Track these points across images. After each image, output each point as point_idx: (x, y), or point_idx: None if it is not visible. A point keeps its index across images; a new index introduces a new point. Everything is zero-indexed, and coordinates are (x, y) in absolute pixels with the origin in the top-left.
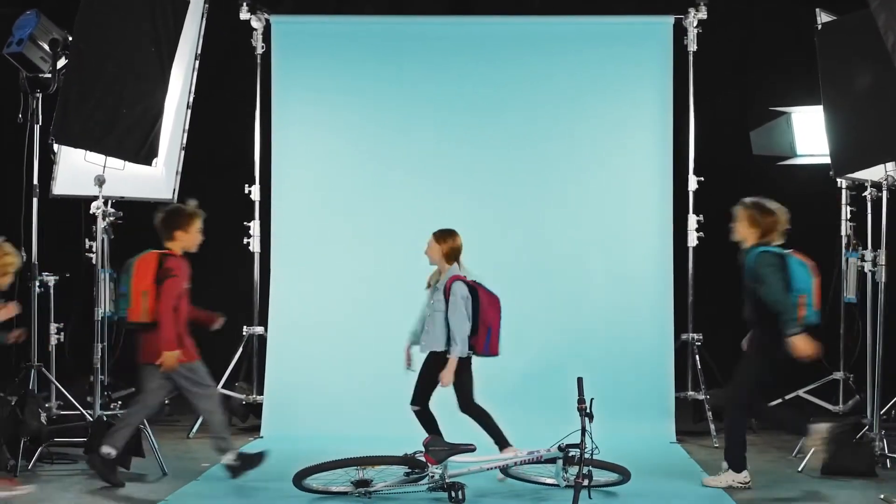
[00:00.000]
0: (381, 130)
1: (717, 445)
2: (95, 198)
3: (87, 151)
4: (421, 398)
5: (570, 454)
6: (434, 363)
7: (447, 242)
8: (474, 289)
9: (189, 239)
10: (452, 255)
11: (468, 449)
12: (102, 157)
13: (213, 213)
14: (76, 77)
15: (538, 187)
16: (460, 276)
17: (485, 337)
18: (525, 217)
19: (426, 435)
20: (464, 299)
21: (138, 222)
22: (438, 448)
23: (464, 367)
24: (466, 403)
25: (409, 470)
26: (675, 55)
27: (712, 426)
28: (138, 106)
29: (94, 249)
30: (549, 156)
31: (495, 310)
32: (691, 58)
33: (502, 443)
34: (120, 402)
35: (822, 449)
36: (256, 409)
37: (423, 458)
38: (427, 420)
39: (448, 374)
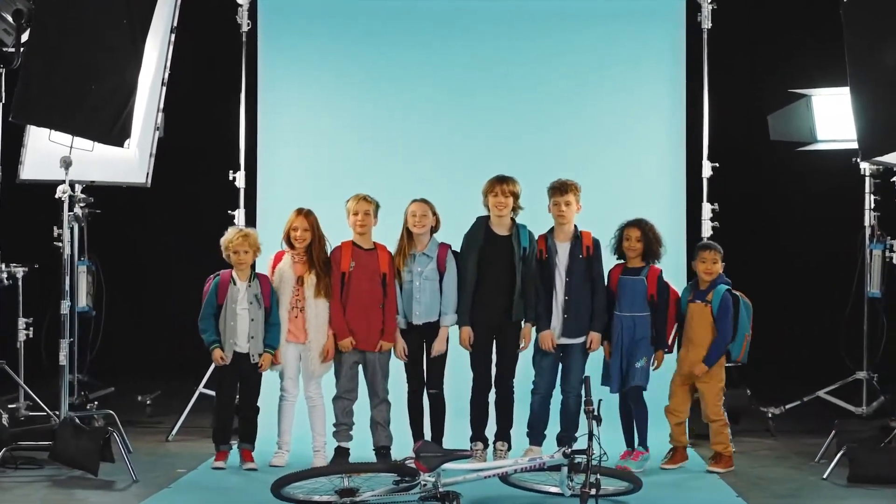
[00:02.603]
0: (375, 114)
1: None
2: (62, 182)
3: (52, 131)
4: (437, 380)
5: (576, 461)
6: (430, 336)
7: (436, 213)
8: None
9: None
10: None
11: (463, 455)
12: (69, 137)
13: (194, 201)
14: (40, 50)
15: (543, 172)
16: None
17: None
18: (530, 204)
19: (416, 440)
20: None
21: (120, 209)
22: (431, 454)
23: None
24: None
25: (399, 478)
26: (689, 33)
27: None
28: (108, 82)
29: (61, 238)
30: (556, 139)
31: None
32: (705, 36)
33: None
34: (96, 403)
35: None
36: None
37: (413, 465)
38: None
39: (441, 342)
